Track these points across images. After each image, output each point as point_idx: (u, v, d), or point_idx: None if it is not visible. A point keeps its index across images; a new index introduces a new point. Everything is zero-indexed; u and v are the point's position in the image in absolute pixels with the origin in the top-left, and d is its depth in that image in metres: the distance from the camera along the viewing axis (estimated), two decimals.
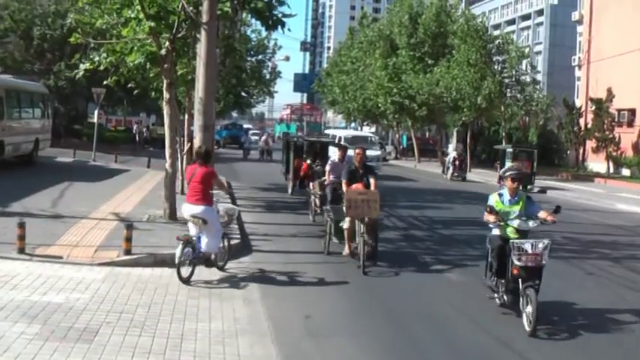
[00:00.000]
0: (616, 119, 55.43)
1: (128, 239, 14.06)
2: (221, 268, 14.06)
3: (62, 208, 19.80)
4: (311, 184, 23.10)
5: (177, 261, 12.74)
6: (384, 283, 14.25)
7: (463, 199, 33.37)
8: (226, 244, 14.40)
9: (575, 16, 70.84)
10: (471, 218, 22.96)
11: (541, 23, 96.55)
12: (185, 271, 12.86)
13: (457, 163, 46.62)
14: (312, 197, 22.43)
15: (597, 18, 62.29)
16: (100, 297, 11.20)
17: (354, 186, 15.76)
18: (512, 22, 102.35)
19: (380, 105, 66.47)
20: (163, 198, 19.31)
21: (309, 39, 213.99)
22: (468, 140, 59.19)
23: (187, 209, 13.60)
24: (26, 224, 13.70)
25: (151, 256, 14.24)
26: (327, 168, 20.79)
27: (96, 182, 27.78)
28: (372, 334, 10.67)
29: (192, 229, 13.62)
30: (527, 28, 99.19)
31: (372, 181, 16.05)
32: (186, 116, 28.67)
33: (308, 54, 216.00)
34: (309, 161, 28.51)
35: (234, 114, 78.70)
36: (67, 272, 12.63)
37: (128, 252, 14.01)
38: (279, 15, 20.40)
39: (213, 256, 13.65)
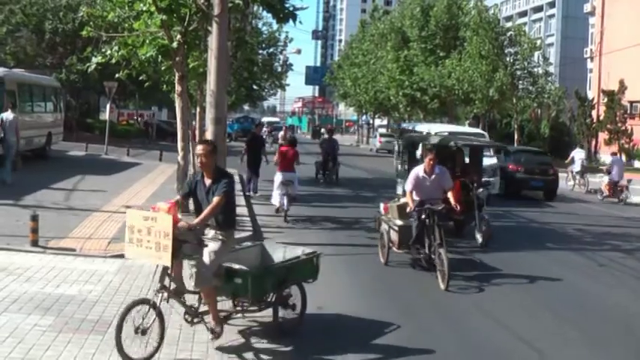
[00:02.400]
0: (628, 111, 55.31)
1: None
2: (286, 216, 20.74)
3: (75, 201, 19.88)
4: (382, 205, 16.79)
5: (278, 205, 21.11)
6: (398, 276, 14.25)
7: None
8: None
9: (587, 7, 70.71)
10: None
11: (553, 15, 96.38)
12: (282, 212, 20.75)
13: None
14: (384, 228, 15.52)
15: (609, 10, 62.15)
16: (113, 289, 11.24)
17: (158, 205, 9.35)
18: (524, 13, 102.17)
19: (391, 98, 66.40)
20: (175, 191, 19.33)
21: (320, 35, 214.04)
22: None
23: (282, 175, 21.12)
24: (39, 217, 13.76)
25: None
26: (408, 186, 14.55)
27: (108, 175, 27.84)
28: (385, 328, 10.66)
29: (282, 189, 20.86)
30: (539, 20, 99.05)
31: (215, 200, 9.27)
32: (198, 109, 28.71)
33: (320, 45, 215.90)
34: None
35: (246, 107, 78.84)
36: (79, 264, 12.68)
37: None
38: (291, 8, 20.36)
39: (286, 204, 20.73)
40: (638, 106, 55.52)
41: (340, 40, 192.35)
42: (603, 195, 33.33)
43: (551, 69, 64.81)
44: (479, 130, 36.07)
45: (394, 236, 14.96)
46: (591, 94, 63.48)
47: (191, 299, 9.40)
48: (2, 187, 21.87)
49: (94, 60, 20.17)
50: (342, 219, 21.55)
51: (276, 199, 21.28)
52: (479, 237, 17.98)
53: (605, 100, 56.10)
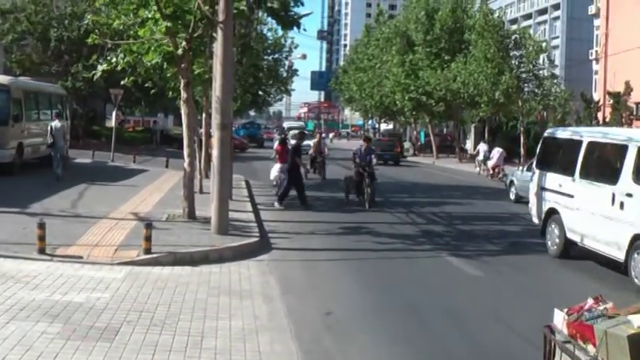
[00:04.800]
0: (634, 112, 55.14)
1: (147, 238, 14.09)
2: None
3: (82, 209, 19.90)
4: (560, 315, 7.15)
5: (276, 183, 26.35)
6: (404, 278, 14.25)
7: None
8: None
9: (591, 9, 70.55)
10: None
11: (558, 17, 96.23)
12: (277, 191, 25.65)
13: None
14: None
15: (614, 11, 62.03)
16: (121, 296, 11.24)
17: None
18: (528, 16, 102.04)
19: (397, 102, 66.42)
20: (182, 197, 19.36)
21: (325, 42, 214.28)
22: (486, 136, 59.17)
23: (278, 167, 26.20)
24: (46, 225, 13.78)
25: (170, 255, 14.29)
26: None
27: (115, 183, 27.86)
28: (392, 330, 10.67)
29: (280, 176, 25.74)
30: (544, 22, 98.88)
31: None
32: (204, 115, 28.75)
33: (325, 49, 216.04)
34: None
35: (252, 113, 78.96)
36: (87, 272, 12.68)
37: (148, 251, 14.06)
38: (295, 16, 20.40)
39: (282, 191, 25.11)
40: None
41: (345, 45, 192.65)
42: (487, 173, 45.79)
43: (557, 71, 64.82)
44: None
45: None
46: (597, 95, 63.31)
47: None
48: (53, 184, 25.67)
49: (100, 67, 20.24)
50: (348, 223, 21.52)
51: (273, 175, 26.88)
52: None
53: (611, 101, 55.95)
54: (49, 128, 28.04)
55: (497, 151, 44.71)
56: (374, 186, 25.77)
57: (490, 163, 45.00)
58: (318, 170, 36.28)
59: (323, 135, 46.05)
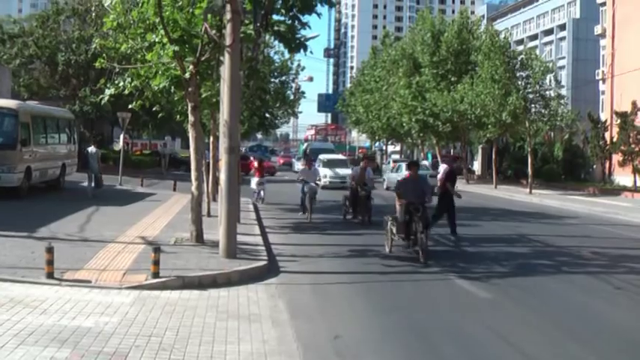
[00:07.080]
0: None
1: (156, 262, 14.08)
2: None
3: (89, 233, 19.91)
4: None
5: (255, 196, 34.67)
6: (413, 301, 14.20)
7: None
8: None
9: (597, 30, 70.62)
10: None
11: (564, 38, 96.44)
12: (258, 202, 33.90)
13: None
14: None
15: (620, 31, 62.12)
16: (129, 320, 11.22)
17: None
18: (534, 37, 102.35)
19: (404, 123, 66.40)
20: (190, 221, 19.36)
21: (331, 63, 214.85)
22: (493, 156, 59.15)
23: (256, 180, 35.24)
24: (54, 249, 13.78)
25: (179, 279, 14.27)
26: None
27: (122, 206, 27.91)
28: (401, 354, 10.62)
29: (259, 187, 34.76)
30: (550, 42, 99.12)
31: None
32: (211, 139, 28.79)
33: (331, 70, 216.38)
34: None
35: (259, 135, 79.06)
36: (95, 296, 12.67)
37: (156, 275, 14.04)
38: (302, 39, 20.41)
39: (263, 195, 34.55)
40: None
41: (352, 67, 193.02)
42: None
43: (563, 91, 64.82)
44: None
45: None
46: (604, 115, 63.35)
47: None
48: (82, 199, 28.99)
49: (107, 91, 20.30)
50: (356, 246, 21.48)
51: (254, 189, 35.28)
52: None
53: (618, 121, 55.91)
54: (84, 153, 33.20)
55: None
56: (428, 231, 19.40)
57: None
58: (363, 209, 28.17)
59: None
